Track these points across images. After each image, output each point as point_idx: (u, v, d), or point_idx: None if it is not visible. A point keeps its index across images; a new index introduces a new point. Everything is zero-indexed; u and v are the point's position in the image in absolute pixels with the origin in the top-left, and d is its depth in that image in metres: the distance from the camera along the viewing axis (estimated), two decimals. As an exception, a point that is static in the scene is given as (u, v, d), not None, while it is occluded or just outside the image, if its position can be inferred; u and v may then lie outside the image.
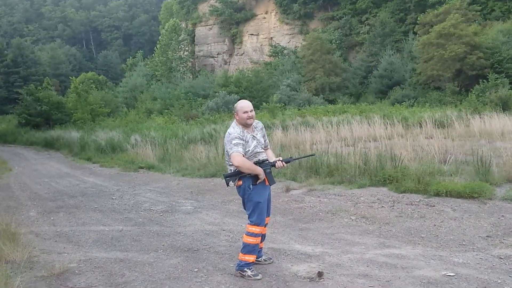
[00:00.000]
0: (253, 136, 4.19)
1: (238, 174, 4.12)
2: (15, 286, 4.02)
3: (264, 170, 4.13)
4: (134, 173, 12.12)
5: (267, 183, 4.20)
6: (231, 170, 4.18)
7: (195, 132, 17.05)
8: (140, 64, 57.54)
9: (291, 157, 4.67)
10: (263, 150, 4.29)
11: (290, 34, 53.30)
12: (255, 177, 4.10)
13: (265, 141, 4.37)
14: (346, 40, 46.17)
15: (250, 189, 4.12)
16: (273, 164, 4.23)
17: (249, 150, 4.11)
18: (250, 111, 4.13)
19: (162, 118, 29.90)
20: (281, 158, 4.31)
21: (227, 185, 4.23)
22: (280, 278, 4.12)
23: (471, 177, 7.32)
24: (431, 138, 11.50)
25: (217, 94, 33.62)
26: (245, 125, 4.17)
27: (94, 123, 28.26)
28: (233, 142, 4.04)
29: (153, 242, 5.49)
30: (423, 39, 31.08)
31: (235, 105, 4.23)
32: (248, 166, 4.03)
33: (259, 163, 4.13)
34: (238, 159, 3.99)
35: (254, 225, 4.15)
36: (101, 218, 6.98)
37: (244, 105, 4.16)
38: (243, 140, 4.08)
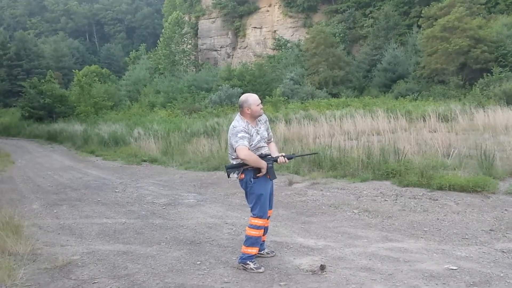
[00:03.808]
0: (257, 130, 4.18)
1: (239, 167, 4.12)
2: (18, 278, 4.05)
3: (266, 165, 4.13)
4: (137, 166, 12.14)
5: (268, 177, 4.20)
6: (233, 163, 4.18)
7: (198, 126, 17.07)
8: (143, 57, 57.56)
9: (293, 154, 4.65)
10: (266, 145, 4.28)
11: (294, 27, 53.08)
12: (257, 170, 4.09)
13: (268, 134, 4.36)
14: (350, 33, 45.99)
15: (251, 181, 4.12)
16: (275, 159, 4.23)
17: (252, 144, 4.11)
18: (260, 103, 4.23)
19: (165, 111, 29.95)
20: (283, 154, 4.30)
21: (228, 176, 4.23)
22: (283, 271, 4.12)
23: (474, 171, 7.29)
24: (435, 132, 11.45)
25: (220, 87, 33.61)
26: (255, 118, 4.19)
27: (97, 116, 28.32)
28: (239, 135, 4.02)
29: (156, 235, 5.50)
30: (427, 33, 30.94)
31: (244, 99, 4.17)
32: (254, 159, 4.03)
33: (261, 157, 4.13)
34: (245, 152, 3.98)
35: (256, 217, 4.15)
36: (104, 211, 7.00)
37: (256, 98, 4.21)
38: (248, 133, 4.08)
